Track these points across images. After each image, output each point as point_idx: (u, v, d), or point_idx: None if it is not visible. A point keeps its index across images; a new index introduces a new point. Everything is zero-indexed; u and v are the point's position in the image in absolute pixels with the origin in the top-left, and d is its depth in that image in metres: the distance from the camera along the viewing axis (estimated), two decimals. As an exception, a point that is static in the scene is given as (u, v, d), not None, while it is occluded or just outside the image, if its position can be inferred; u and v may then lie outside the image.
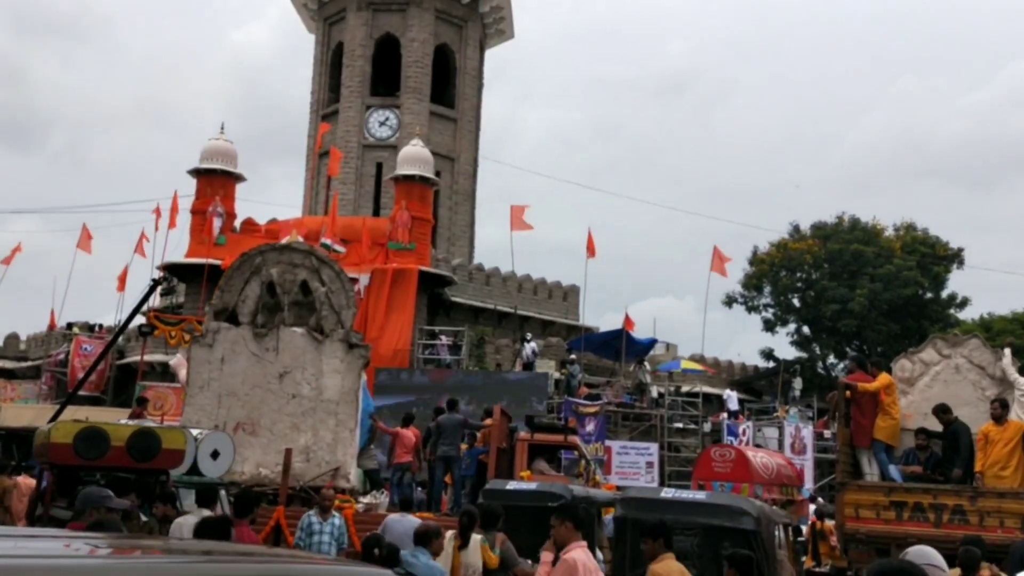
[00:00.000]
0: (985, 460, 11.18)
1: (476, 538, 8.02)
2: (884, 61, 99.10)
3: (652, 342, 29.75)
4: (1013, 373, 12.03)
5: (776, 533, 8.82)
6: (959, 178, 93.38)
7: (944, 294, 37.66)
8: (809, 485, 23.84)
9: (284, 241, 18.60)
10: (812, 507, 18.02)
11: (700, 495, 9.36)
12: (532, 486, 10.30)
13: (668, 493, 9.19)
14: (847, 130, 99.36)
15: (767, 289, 39.11)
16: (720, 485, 15.16)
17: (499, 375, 24.26)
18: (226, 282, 12.88)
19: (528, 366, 25.50)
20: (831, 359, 39.18)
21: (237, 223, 28.31)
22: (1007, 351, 12.41)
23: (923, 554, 5.29)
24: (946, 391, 12.48)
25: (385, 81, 36.77)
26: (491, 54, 41.02)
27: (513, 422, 14.03)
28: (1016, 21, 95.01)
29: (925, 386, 12.72)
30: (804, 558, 15.00)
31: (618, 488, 14.91)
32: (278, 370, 12.22)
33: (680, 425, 26.53)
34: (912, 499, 11.26)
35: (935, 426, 12.05)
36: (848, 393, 12.26)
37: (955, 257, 37.48)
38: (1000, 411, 11.25)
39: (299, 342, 12.30)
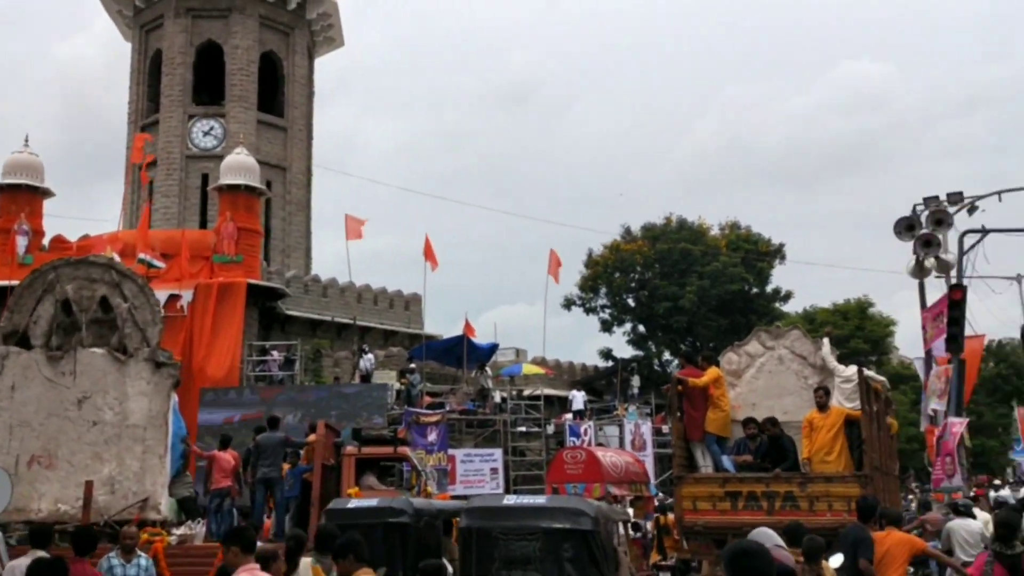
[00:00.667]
0: (811, 447, 11.39)
1: (306, 561, 7.32)
2: (712, 70, 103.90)
3: (494, 347, 29.46)
4: (832, 361, 12.36)
5: (615, 531, 8.92)
6: (783, 179, 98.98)
7: (768, 289, 39.39)
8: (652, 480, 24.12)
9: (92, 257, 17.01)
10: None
11: (540, 500, 9.28)
12: (374, 502, 9.69)
13: (510, 500, 9.18)
14: (680, 136, 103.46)
15: (603, 290, 39.75)
16: (573, 486, 15.29)
17: (335, 388, 23.28)
18: (16, 302, 11.53)
19: (366, 378, 24.63)
20: (666, 355, 40.23)
21: (46, 240, 26.08)
22: (826, 341, 12.75)
23: (765, 535, 5.81)
24: (771, 381, 12.77)
25: (209, 90, 35.03)
26: (329, 64, 40.30)
27: (341, 436, 13.24)
28: (834, 29, 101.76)
29: (751, 377, 12.93)
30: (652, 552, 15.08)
31: (453, 497, 14.42)
32: (76, 395, 11.02)
33: (524, 429, 26.32)
34: (746, 488, 11.38)
35: (763, 415, 12.21)
36: (680, 388, 12.31)
37: (777, 253, 39.26)
38: (824, 398, 11.50)
39: (99, 364, 11.13)
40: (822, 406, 11.46)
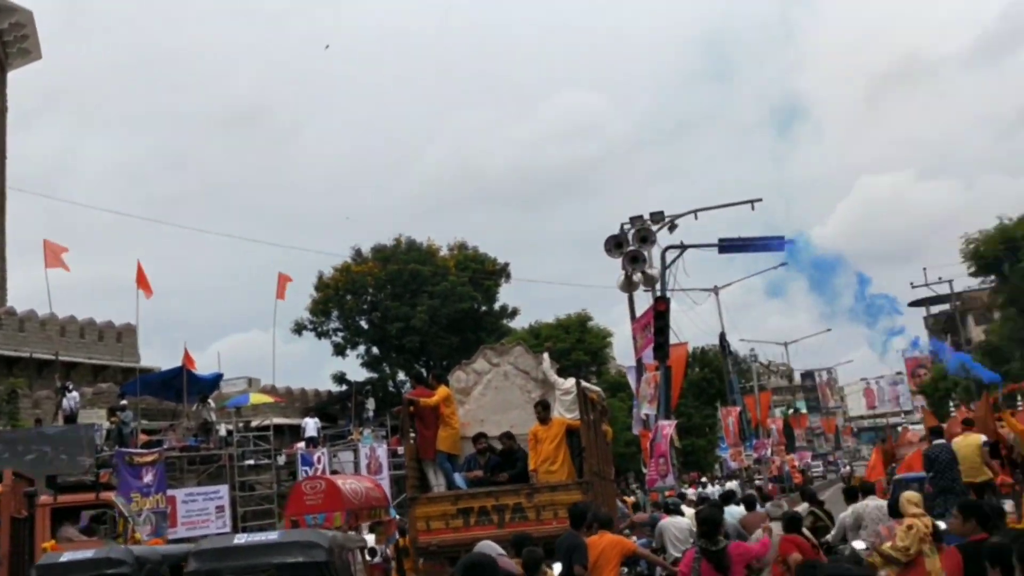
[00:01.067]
0: (537, 458, 11.86)
1: None
2: (441, 96, 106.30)
3: (217, 377, 28.06)
4: (552, 375, 12.92)
5: (351, 559, 8.84)
6: (510, 202, 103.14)
7: (496, 306, 40.78)
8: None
9: None
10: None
11: (272, 535, 8.95)
12: (90, 554, 8.89)
13: (240, 539, 8.80)
14: (412, 160, 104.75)
15: (335, 313, 39.25)
16: (313, 517, 14.83)
17: (34, 432, 21.05)
18: None
19: (70, 418, 22.53)
20: (400, 376, 40.39)
21: None
22: (546, 355, 13.32)
23: (489, 547, 6.23)
24: (498, 397, 13.15)
25: None
26: (30, 80, 36.31)
27: (34, 485, 11.99)
28: (555, 58, 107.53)
29: (479, 394, 13.25)
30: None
31: (172, 541, 13.53)
32: None
33: (252, 462, 25.24)
34: (477, 504, 11.63)
35: (493, 431, 12.56)
36: (411, 408, 12.45)
37: (503, 272, 40.77)
38: (543, 412, 12.02)
39: None
40: (543, 420, 11.95)
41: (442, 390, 12.63)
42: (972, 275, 32.51)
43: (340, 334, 39.62)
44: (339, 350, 39.50)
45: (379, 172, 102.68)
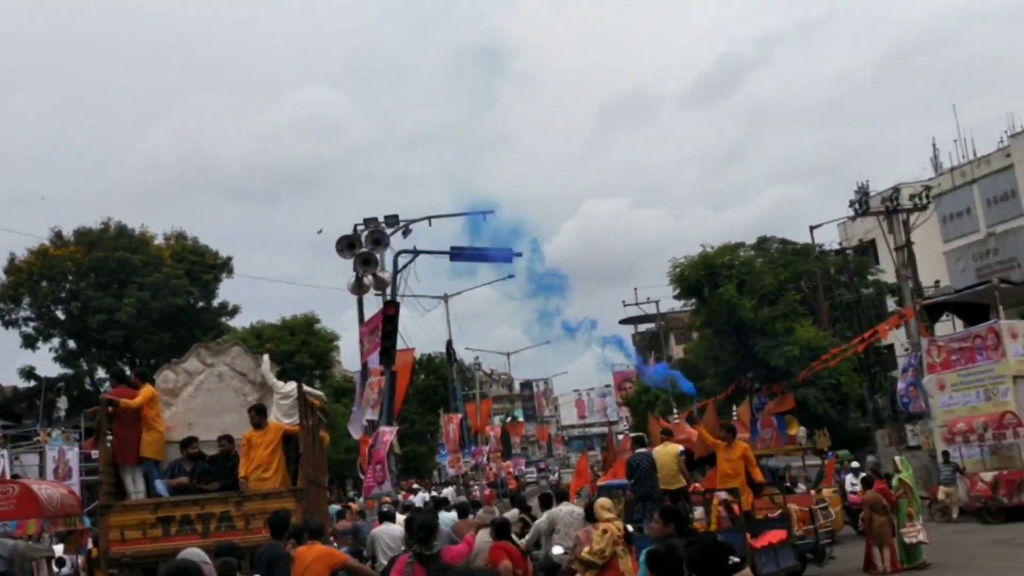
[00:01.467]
0: (249, 465, 11.41)
1: None
2: (174, 77, 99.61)
3: None
4: (271, 378, 12.51)
5: (35, 568, 9.46)
6: (242, 195, 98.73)
7: (215, 303, 38.82)
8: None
9: None
10: None
11: None
12: None
13: None
14: (133, 141, 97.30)
15: (26, 301, 35.56)
16: (3, 525, 13.38)
17: None
18: None
19: None
20: (100, 373, 37.34)
21: None
22: (266, 357, 12.89)
23: (195, 554, 5.82)
24: (211, 399, 12.53)
25: None
26: None
27: None
28: (300, 52, 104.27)
29: (189, 396, 12.55)
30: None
31: None
32: None
33: (-88, 465, 22.13)
34: (180, 512, 11.06)
35: (203, 435, 12.02)
36: (110, 408, 11.60)
37: (224, 266, 38.86)
38: (257, 418, 11.59)
39: None
40: (257, 425, 11.53)
41: (146, 390, 11.81)
42: (676, 298, 35.41)
43: (31, 324, 35.97)
44: (29, 342, 35.81)
45: (90, 151, 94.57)
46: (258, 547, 10.42)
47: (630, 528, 9.60)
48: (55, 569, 9.84)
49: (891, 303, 37.42)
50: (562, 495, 14.53)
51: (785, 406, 20.56)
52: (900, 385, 25.59)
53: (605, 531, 8.64)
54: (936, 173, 42.12)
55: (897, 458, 17.59)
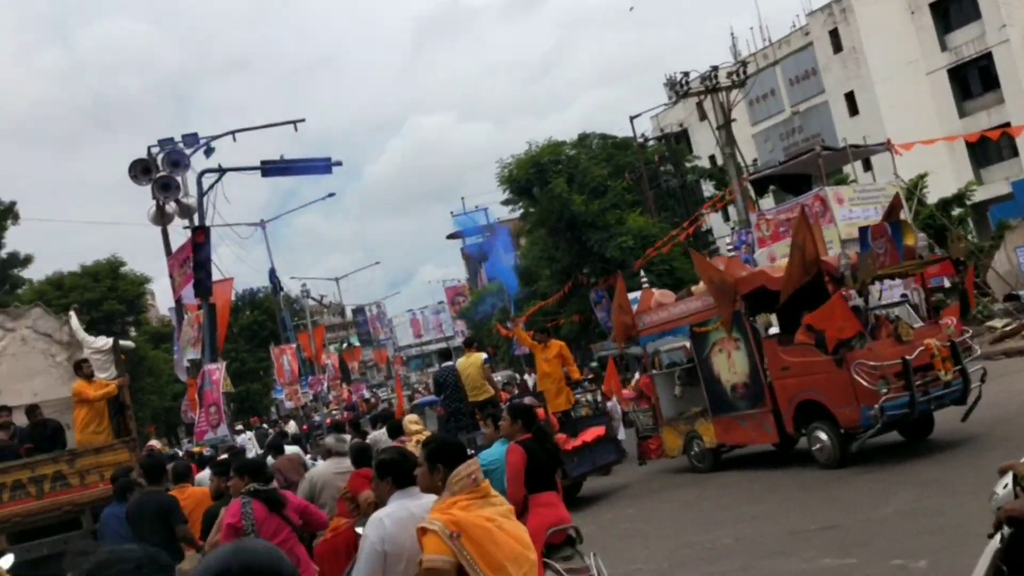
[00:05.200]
0: (78, 425, 11.75)
1: None
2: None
3: None
4: (82, 333, 12.92)
5: None
6: (38, 140, 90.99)
7: (4, 253, 36.10)
8: None
9: None
10: None
11: None
12: None
13: None
14: None
15: None
16: None
17: None
18: None
19: None
20: None
21: None
22: (72, 314, 13.38)
23: None
24: (17, 365, 12.81)
25: None
26: None
27: None
28: None
29: None
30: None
31: None
32: None
33: None
34: (10, 479, 11.09)
35: (14, 400, 12.16)
36: None
37: (8, 212, 35.95)
38: (89, 369, 11.87)
39: None
40: (88, 376, 11.74)
41: None
42: (506, 203, 35.91)
43: None
44: None
45: None
46: (95, 503, 10.51)
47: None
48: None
49: (707, 189, 39.46)
50: (385, 416, 14.74)
51: (897, 211, 12.26)
52: (733, 263, 26.91)
53: (419, 442, 8.42)
54: (735, 61, 44.23)
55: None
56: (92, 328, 13.52)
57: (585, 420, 14.47)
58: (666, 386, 15.17)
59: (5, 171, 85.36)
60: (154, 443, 21.24)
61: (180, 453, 22.29)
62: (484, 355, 14.78)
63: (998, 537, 3.36)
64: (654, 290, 17.14)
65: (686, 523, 10.66)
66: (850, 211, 22.16)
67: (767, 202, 28.92)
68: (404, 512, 4.32)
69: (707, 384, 13.52)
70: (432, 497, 4.31)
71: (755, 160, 39.60)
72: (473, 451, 9.97)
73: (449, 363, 14.94)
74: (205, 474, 10.47)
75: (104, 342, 12.87)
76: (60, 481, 11.19)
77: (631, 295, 17.09)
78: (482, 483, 4.19)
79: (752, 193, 26.16)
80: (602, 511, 12.58)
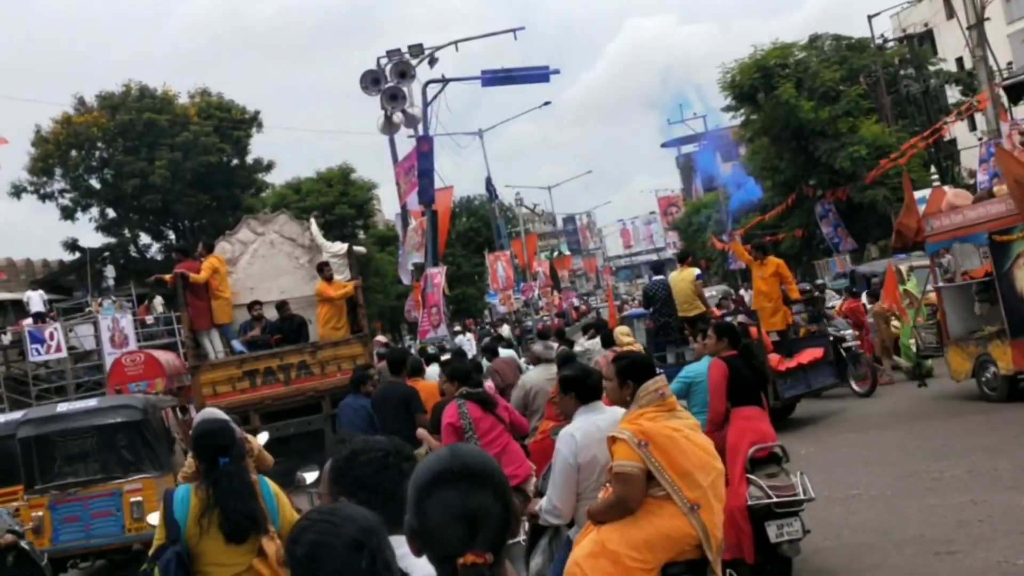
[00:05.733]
0: (320, 321, 13.25)
1: None
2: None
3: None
4: (321, 238, 14.16)
5: (165, 416, 10.79)
6: (276, 51, 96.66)
7: (249, 159, 38.99)
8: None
9: None
10: None
11: (92, 402, 10.53)
12: None
13: (63, 407, 10.54)
14: (173, 5, 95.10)
15: (59, 172, 36.08)
16: (136, 385, 16.76)
17: None
18: None
19: None
20: (144, 239, 38.32)
21: None
22: (312, 221, 14.55)
23: (213, 412, 5.90)
24: (266, 265, 14.14)
25: None
26: None
27: None
28: None
29: (247, 263, 14.08)
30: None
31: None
32: None
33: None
34: (262, 365, 12.63)
35: (264, 297, 13.66)
36: (172, 280, 13.61)
37: (253, 121, 38.71)
38: (329, 272, 13.28)
39: None
40: (329, 279, 13.11)
41: (209, 262, 13.27)
42: (728, 109, 34.58)
43: (67, 195, 36.54)
44: (68, 214, 36.43)
45: (138, 15, 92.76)
46: (334, 389, 11.86)
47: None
48: (179, 415, 11.78)
49: (952, 95, 36.50)
50: (600, 326, 15.09)
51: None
52: (982, 177, 24.91)
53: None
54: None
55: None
56: (326, 230, 14.72)
57: (802, 340, 14.17)
58: (956, 301, 13.55)
59: (251, 80, 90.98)
60: (380, 338, 22.76)
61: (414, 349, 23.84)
62: (697, 270, 14.61)
63: None
64: (946, 188, 15.68)
65: (913, 451, 10.32)
66: None
67: (1021, 111, 26.65)
68: (591, 426, 4.67)
69: (1006, 301, 11.94)
70: (615, 410, 4.68)
71: (1010, 63, 36.14)
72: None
73: (661, 277, 14.96)
74: (434, 369, 11.25)
75: (340, 247, 14.20)
76: (304, 370, 12.65)
77: (917, 194, 15.41)
78: (669, 397, 4.50)
79: (1005, 100, 24.16)
80: (821, 434, 12.33)
